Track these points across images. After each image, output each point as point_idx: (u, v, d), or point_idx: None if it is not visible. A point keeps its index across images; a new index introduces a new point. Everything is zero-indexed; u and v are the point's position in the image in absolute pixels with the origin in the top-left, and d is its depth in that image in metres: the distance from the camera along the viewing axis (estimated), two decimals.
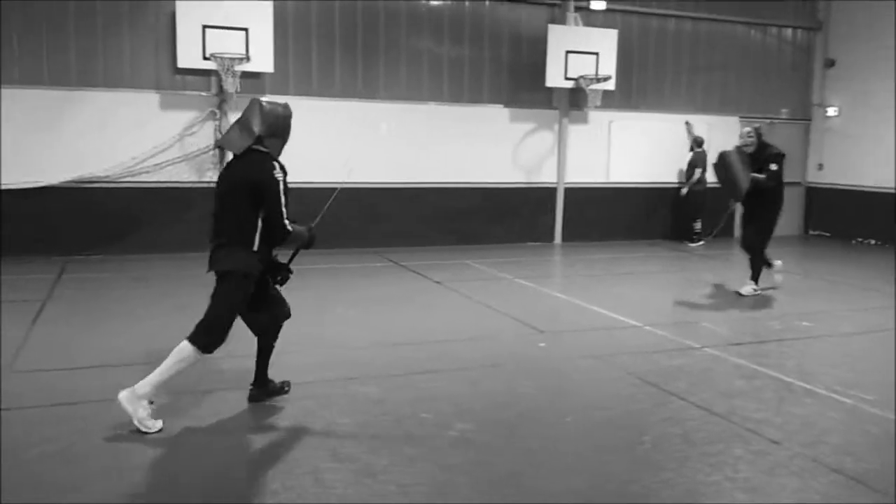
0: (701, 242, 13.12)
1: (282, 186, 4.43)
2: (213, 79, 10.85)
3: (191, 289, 8.70)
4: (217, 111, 10.90)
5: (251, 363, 4.94)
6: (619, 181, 13.43)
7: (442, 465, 4.06)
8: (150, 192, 10.75)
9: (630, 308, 7.99)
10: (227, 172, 4.68)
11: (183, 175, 10.92)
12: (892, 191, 13.40)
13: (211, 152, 10.96)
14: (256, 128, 4.52)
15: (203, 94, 10.92)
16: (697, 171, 13.05)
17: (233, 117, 10.96)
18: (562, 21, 12.59)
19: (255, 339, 4.89)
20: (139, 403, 4.36)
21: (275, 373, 5.05)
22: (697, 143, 13.25)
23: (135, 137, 10.58)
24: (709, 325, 7.45)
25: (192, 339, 4.45)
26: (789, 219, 15.10)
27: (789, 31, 14.64)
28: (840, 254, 12.68)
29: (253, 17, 10.53)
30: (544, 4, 12.65)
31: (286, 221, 4.45)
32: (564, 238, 13.23)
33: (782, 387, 5.49)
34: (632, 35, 13.28)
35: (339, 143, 11.15)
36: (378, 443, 4.33)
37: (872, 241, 13.81)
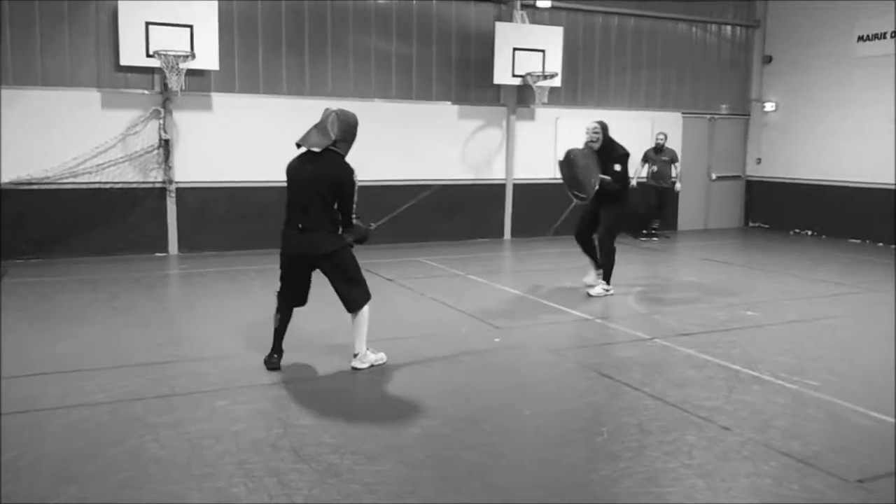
0: (655, 239, 13.42)
1: (357, 187, 5.29)
2: (157, 77, 10.65)
3: (139, 290, 8.56)
4: (161, 109, 10.69)
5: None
6: None
7: (406, 462, 4.09)
8: (92, 193, 10.50)
9: (580, 301, 8.14)
10: (307, 167, 5.32)
11: (127, 175, 10.68)
12: (827, 183, 13.90)
13: (155, 151, 10.76)
14: (332, 133, 5.29)
15: (146, 92, 10.70)
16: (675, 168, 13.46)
17: (178, 115, 10.79)
18: (508, 19, 12.71)
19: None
20: (367, 358, 5.65)
21: (229, 377, 5.04)
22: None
23: (76, 137, 10.31)
24: (657, 316, 7.63)
25: (356, 307, 5.52)
26: (730, 211, 15.62)
27: (728, 29, 15.05)
28: (779, 245, 13.09)
29: (197, 13, 10.37)
30: (491, 2, 12.74)
31: (353, 216, 5.37)
32: (514, 234, 13.37)
33: (731, 375, 5.67)
34: (577, 32, 13.48)
35: (285, 142, 10.98)
36: (340, 442, 4.34)
37: (809, 232, 14.31)
